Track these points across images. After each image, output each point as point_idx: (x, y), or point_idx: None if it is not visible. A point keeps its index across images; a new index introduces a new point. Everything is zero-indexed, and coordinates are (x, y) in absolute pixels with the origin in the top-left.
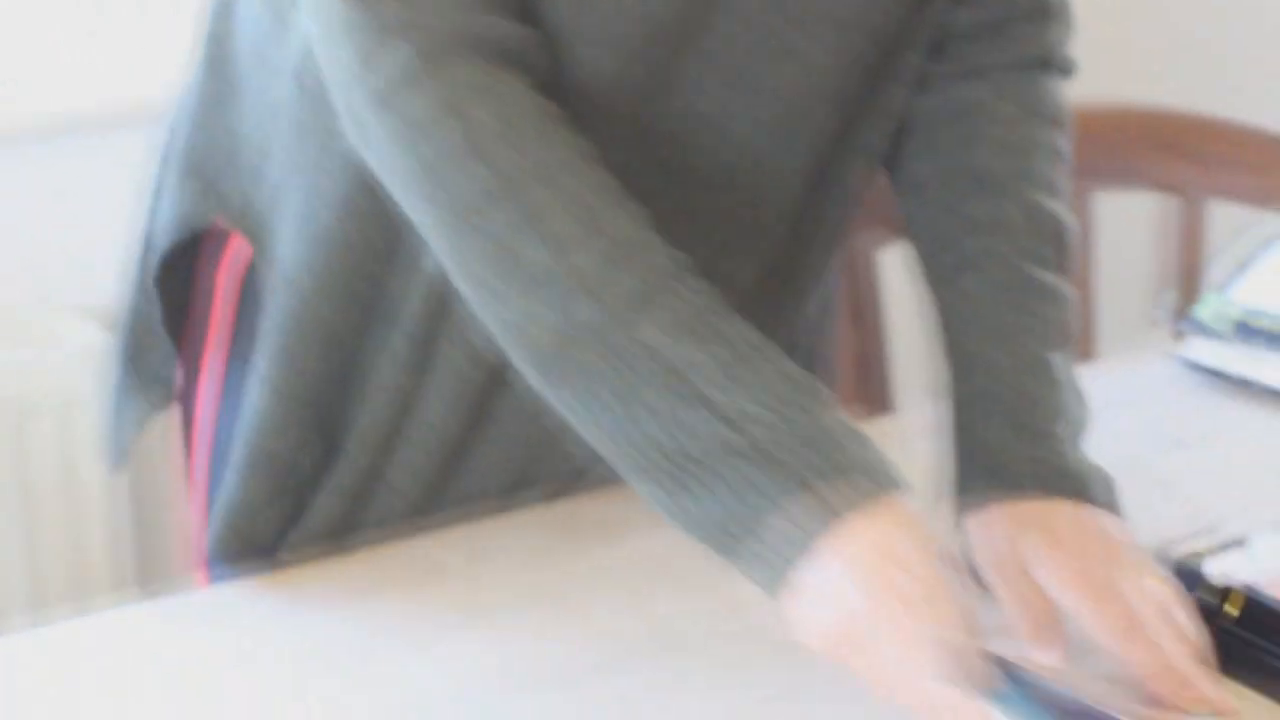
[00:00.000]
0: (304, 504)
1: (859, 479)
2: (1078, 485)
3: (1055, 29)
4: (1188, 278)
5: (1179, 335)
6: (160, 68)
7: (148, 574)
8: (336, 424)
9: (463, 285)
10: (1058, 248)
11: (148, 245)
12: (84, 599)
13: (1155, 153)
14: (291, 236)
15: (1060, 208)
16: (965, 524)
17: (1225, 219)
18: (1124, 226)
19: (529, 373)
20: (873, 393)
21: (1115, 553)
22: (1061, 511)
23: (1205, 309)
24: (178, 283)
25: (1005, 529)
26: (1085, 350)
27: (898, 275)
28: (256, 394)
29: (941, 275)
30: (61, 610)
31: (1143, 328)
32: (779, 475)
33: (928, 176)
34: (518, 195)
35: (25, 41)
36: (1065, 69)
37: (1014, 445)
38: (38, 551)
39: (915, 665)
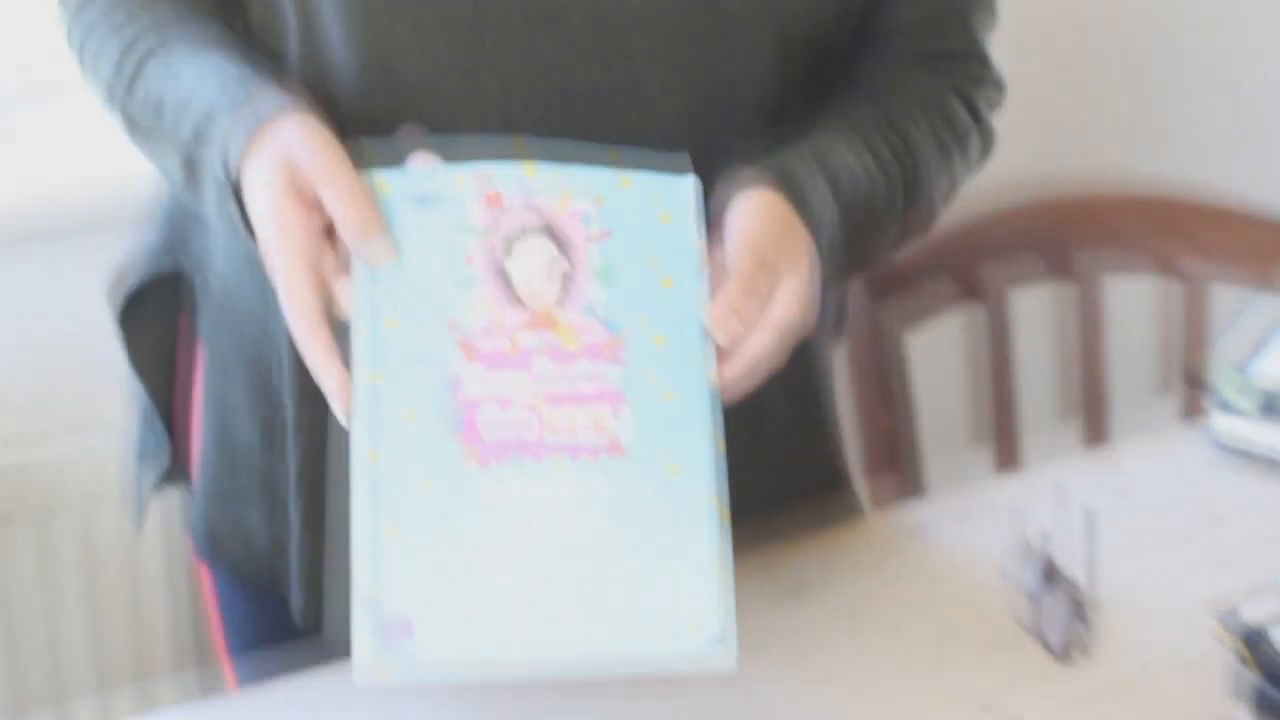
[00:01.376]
0: (285, 528)
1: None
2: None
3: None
4: (1194, 360)
5: (1203, 413)
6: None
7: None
8: (275, 411)
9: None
10: (958, 136)
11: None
12: (148, 681)
13: (1157, 239)
14: (223, 257)
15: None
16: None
17: (1225, 298)
18: (1129, 310)
19: None
20: (903, 471)
21: (795, 235)
22: (769, 198)
23: (1227, 387)
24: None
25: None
26: (1099, 431)
27: (926, 355)
28: (216, 385)
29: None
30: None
31: (1153, 409)
32: (215, 151)
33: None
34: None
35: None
36: (980, 114)
37: (794, 171)
38: (102, 636)
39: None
